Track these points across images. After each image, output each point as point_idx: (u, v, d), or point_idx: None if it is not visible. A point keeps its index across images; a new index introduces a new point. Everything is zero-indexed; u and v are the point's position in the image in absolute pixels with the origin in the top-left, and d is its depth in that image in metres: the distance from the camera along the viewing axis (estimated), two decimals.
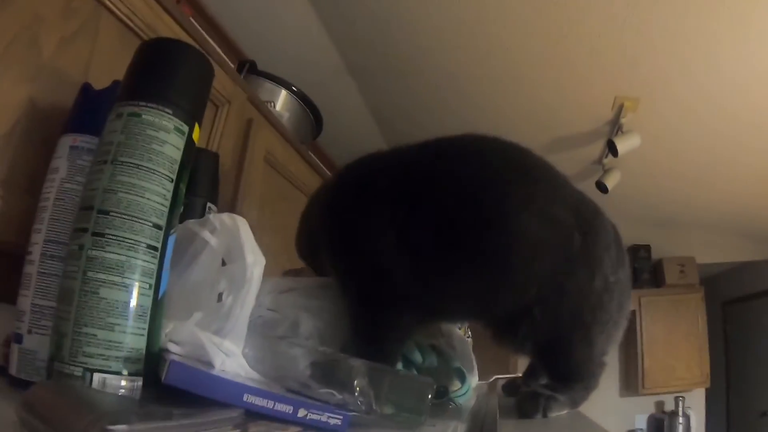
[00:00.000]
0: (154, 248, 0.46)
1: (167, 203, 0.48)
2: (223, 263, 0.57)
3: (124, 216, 0.45)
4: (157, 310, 0.47)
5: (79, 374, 0.41)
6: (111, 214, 0.45)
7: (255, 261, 0.53)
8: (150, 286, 0.46)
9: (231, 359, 0.53)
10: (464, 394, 0.79)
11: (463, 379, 0.83)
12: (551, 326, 0.67)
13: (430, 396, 0.55)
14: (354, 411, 0.53)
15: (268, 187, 1.41)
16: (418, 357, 0.78)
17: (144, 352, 0.45)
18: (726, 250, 4.23)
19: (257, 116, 1.35)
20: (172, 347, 0.50)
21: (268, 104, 1.51)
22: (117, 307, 0.43)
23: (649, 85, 2.46)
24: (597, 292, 0.68)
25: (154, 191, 0.47)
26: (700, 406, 4.27)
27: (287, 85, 1.77)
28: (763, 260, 4.21)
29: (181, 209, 0.51)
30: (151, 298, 0.46)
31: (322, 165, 1.80)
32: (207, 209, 0.81)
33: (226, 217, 0.56)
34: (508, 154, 0.71)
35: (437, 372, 0.84)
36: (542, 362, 0.73)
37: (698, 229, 4.13)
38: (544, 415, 0.67)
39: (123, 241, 0.44)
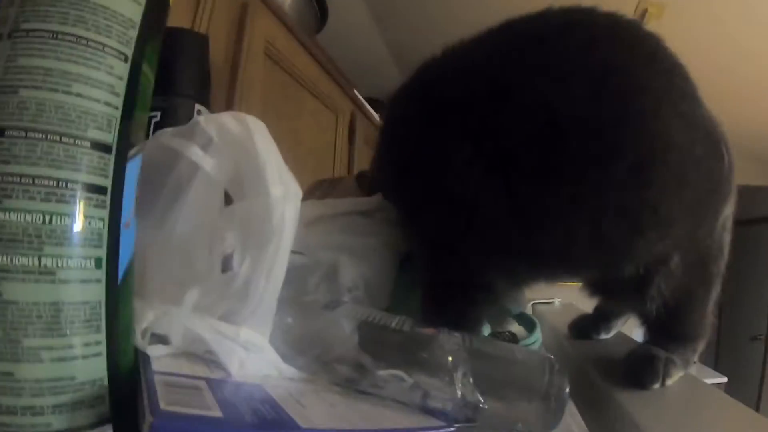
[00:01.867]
0: (100, 190, 0.25)
1: (119, 101, 0.26)
2: (228, 200, 0.37)
3: (35, 134, 0.23)
4: (120, 299, 0.26)
5: None
6: (9, 134, 0.23)
7: (286, 194, 0.32)
8: (98, 262, 0.24)
9: (254, 355, 0.34)
10: (534, 342, 0.63)
11: (531, 326, 0.65)
12: (686, 280, 0.49)
13: (568, 388, 0.36)
14: (458, 420, 0.35)
15: (270, 86, 1.17)
16: None
17: (106, 379, 0.25)
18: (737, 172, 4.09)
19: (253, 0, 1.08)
20: (155, 351, 0.30)
21: None
22: (41, 315, 0.22)
23: None
24: (719, 233, 0.51)
25: (91, 81, 0.24)
26: None
27: None
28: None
29: (149, 113, 0.29)
30: (103, 283, 0.25)
31: (330, 61, 1.53)
32: (195, 114, 0.59)
33: (229, 119, 0.34)
34: (626, 32, 0.48)
35: (496, 321, 0.66)
36: (656, 321, 0.55)
37: None
38: (663, 384, 0.51)
39: (36, 186, 0.23)
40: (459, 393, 0.35)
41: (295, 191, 0.33)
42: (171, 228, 0.34)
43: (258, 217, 0.31)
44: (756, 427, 0.44)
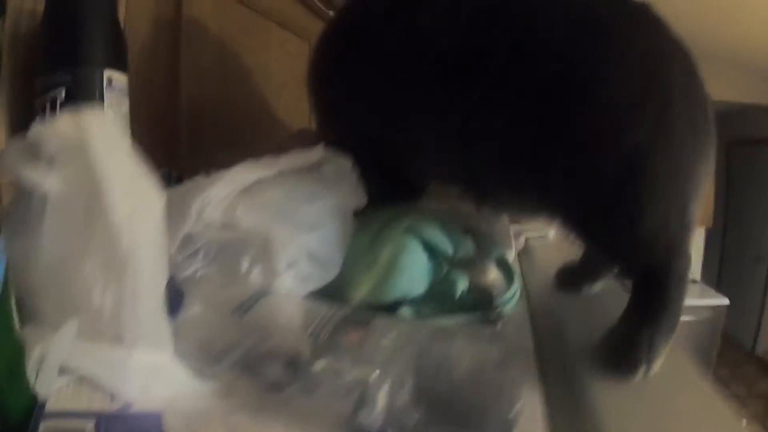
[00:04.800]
0: None
1: None
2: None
3: None
4: None
5: None
6: None
7: (135, 212, 0.27)
8: None
9: (157, 375, 0.31)
10: (512, 297, 0.56)
11: (509, 274, 0.58)
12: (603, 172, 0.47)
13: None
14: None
15: (224, 21, 1.06)
16: (446, 246, 0.54)
17: None
18: (741, 89, 3.69)
19: None
20: (45, 387, 0.27)
21: None
22: None
23: None
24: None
25: None
26: (699, 244, 3.97)
27: None
28: None
29: None
30: None
31: None
32: (106, 84, 0.52)
33: (65, 126, 0.29)
34: None
35: (474, 267, 0.58)
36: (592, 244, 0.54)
37: (715, 64, 3.61)
38: (648, 371, 0.43)
39: None
40: (385, 409, 0.30)
41: (151, 201, 0.27)
42: (40, 252, 0.30)
43: (106, 244, 0.26)
44: None
